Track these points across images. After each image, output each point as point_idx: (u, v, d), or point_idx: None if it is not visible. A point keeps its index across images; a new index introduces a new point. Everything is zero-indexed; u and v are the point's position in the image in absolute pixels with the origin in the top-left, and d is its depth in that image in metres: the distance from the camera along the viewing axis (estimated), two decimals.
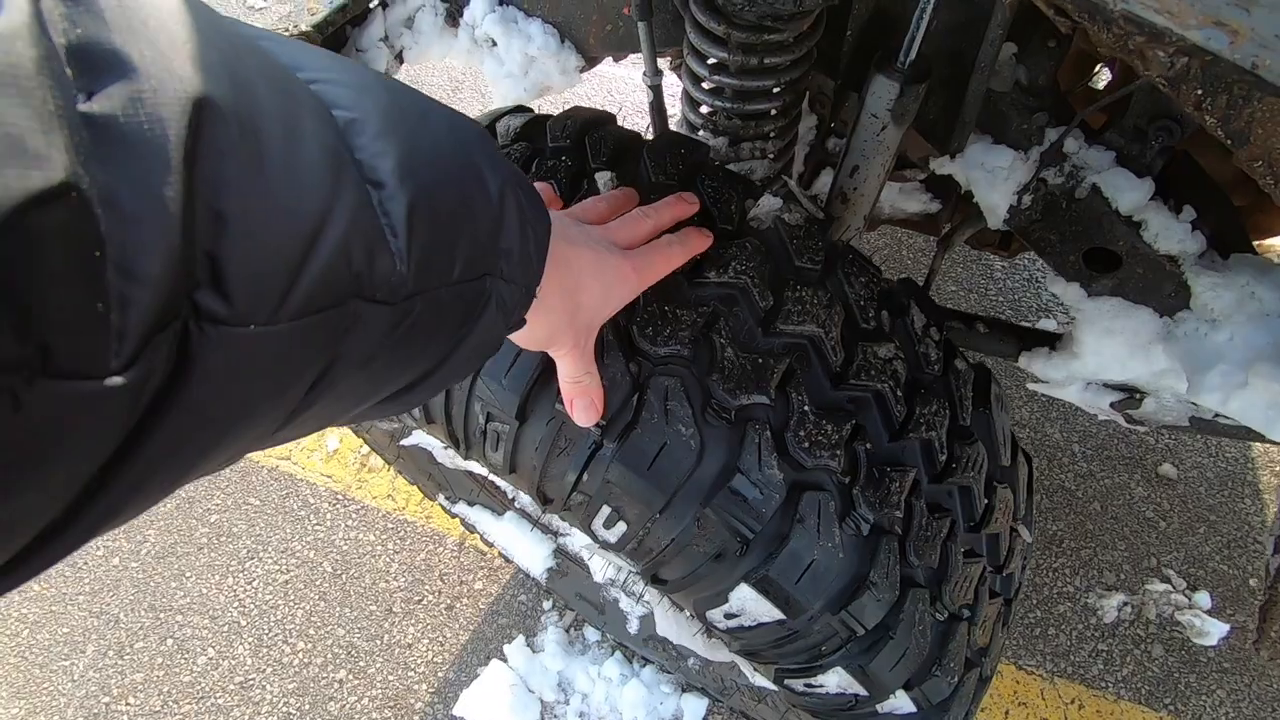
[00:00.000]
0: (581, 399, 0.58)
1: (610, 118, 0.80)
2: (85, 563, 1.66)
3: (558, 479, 0.63)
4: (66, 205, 0.18)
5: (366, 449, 1.81)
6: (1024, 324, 1.25)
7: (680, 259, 0.61)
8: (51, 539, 0.22)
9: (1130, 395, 1.09)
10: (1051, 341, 1.16)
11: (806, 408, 0.61)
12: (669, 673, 1.39)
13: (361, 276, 0.29)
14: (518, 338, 0.48)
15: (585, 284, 0.52)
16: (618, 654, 1.47)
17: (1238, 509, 1.59)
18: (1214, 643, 1.40)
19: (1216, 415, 1.03)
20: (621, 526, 0.62)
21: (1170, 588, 1.47)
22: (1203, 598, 1.46)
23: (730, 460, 0.59)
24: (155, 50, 0.22)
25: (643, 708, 1.40)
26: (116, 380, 0.20)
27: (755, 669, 0.77)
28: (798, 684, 0.68)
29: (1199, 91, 0.32)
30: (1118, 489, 1.61)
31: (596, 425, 0.59)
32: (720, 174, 0.70)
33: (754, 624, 0.64)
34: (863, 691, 0.65)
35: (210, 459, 0.28)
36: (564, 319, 0.52)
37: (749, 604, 0.62)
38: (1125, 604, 1.46)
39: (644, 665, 1.44)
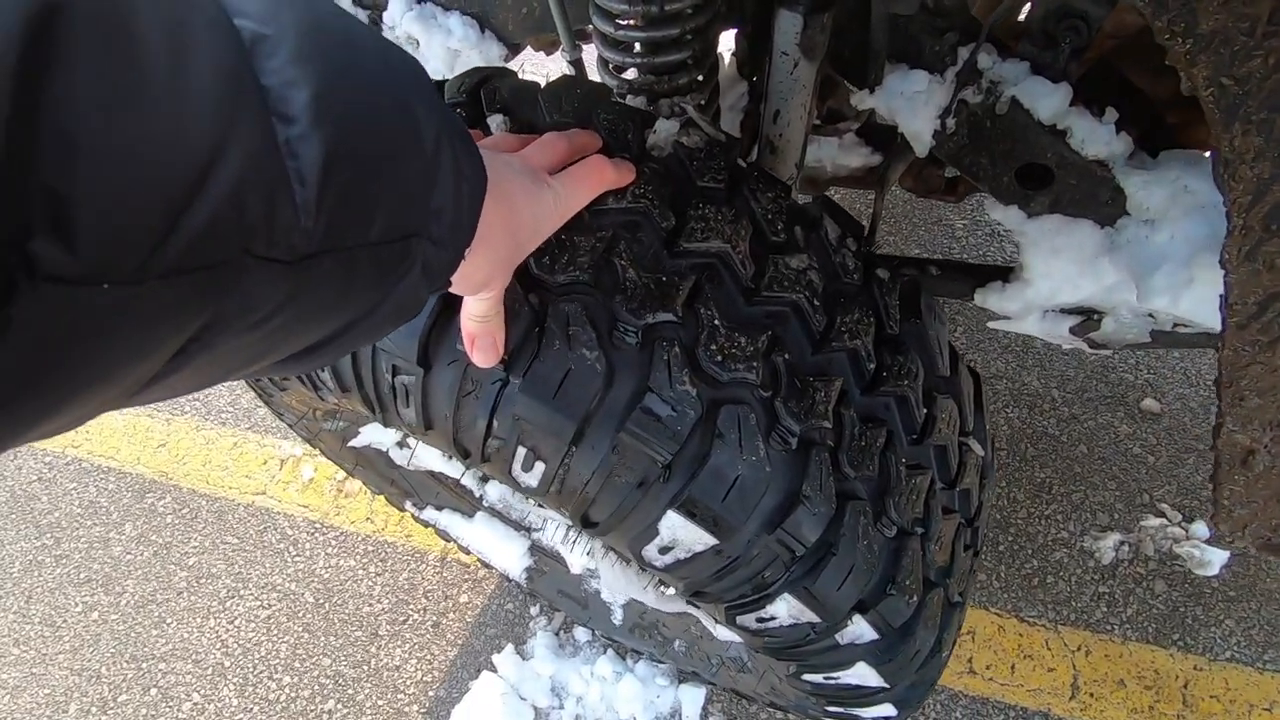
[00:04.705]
0: (484, 338, 0.55)
1: (510, 73, 0.79)
2: (64, 620, 1.62)
3: (470, 426, 0.60)
4: None
5: (343, 475, 1.78)
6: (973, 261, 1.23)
7: (613, 178, 0.58)
8: None
9: (1088, 317, 1.07)
10: (1004, 275, 1.14)
11: (717, 322, 0.59)
12: (661, 663, 1.35)
13: (255, 229, 0.24)
14: (455, 284, 0.43)
15: (523, 221, 0.47)
16: (609, 652, 1.42)
17: None
18: (1216, 572, 1.36)
19: (1175, 325, 1.01)
20: (540, 466, 0.59)
21: (1166, 521, 1.43)
22: (1199, 528, 1.42)
23: (641, 381, 0.56)
24: None
25: (639, 703, 1.35)
26: None
27: (715, 620, 0.74)
28: (750, 620, 0.65)
29: None
30: (1102, 429, 1.57)
31: (500, 363, 0.57)
32: (616, 107, 0.69)
33: (689, 554, 0.61)
34: (816, 618, 0.62)
35: (45, 423, 0.23)
36: (504, 258, 0.47)
37: (679, 531, 0.59)
38: (1122, 543, 1.42)
39: (637, 660, 1.40)
